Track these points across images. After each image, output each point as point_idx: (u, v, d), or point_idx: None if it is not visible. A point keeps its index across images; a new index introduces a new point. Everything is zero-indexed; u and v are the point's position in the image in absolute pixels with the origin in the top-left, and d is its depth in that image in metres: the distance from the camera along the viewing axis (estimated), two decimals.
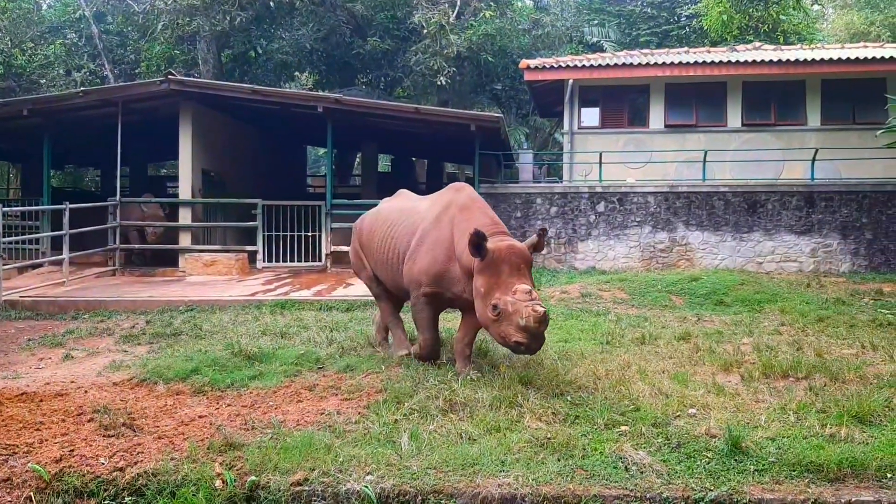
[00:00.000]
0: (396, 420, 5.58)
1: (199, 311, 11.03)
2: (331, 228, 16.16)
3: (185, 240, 16.37)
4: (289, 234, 16.35)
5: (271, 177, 21.36)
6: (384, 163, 33.19)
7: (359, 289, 12.87)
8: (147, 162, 26.14)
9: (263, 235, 16.21)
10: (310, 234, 16.35)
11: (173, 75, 15.69)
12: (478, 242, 6.09)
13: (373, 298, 11.52)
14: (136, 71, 26.49)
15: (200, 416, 5.91)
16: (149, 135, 19.15)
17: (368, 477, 4.59)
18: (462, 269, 6.55)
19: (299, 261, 16.28)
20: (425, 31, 23.41)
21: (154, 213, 16.39)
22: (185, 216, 16.47)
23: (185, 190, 16.56)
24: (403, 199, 8.08)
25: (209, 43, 24.87)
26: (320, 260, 16.22)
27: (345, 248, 16.29)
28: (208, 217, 17.18)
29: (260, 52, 26.25)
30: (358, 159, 30.70)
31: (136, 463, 4.92)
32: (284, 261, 16.30)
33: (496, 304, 6.00)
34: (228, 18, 23.09)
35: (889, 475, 4.50)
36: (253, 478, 4.64)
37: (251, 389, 6.65)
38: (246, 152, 20.16)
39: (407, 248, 7.06)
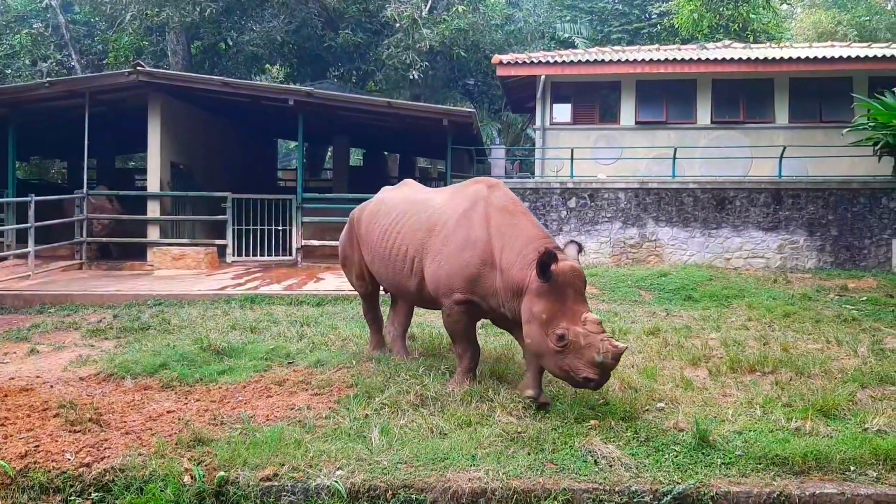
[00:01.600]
0: (367, 415, 5.57)
1: (168, 305, 10.91)
2: (302, 222, 16.07)
3: (153, 233, 16.16)
4: (259, 227, 16.23)
5: (241, 170, 21.18)
6: (356, 157, 33.08)
7: (330, 283, 12.85)
8: (115, 154, 25.77)
9: (233, 229, 16.07)
10: (280, 228, 16.24)
11: (142, 66, 15.48)
12: (548, 264, 5.33)
13: (346, 293, 11.59)
14: (104, 62, 26.10)
15: (168, 412, 5.84)
16: (117, 126, 18.91)
17: (338, 472, 4.57)
18: (506, 283, 5.77)
19: (269, 255, 16.17)
20: (398, 24, 23.35)
21: (101, 206, 16.13)
22: (153, 209, 16.26)
23: (153, 183, 16.35)
24: (412, 190, 7.27)
25: (178, 34, 24.57)
26: (291, 254, 16.12)
27: (316, 243, 16.34)
28: (177, 210, 16.99)
29: (230, 43, 25.98)
30: (329, 153, 30.53)
31: (102, 458, 4.86)
32: (254, 255, 16.19)
33: (563, 334, 5.24)
34: (198, 9, 22.84)
35: (852, 468, 4.58)
36: (222, 473, 4.60)
37: (220, 384, 6.59)
38: (216, 145, 19.96)
39: (419, 245, 6.36)
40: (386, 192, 7.54)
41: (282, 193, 18.41)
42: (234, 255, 16.07)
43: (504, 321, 6.21)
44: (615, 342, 5.26)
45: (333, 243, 16.66)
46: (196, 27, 24.51)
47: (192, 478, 4.59)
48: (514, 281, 5.68)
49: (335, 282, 13.05)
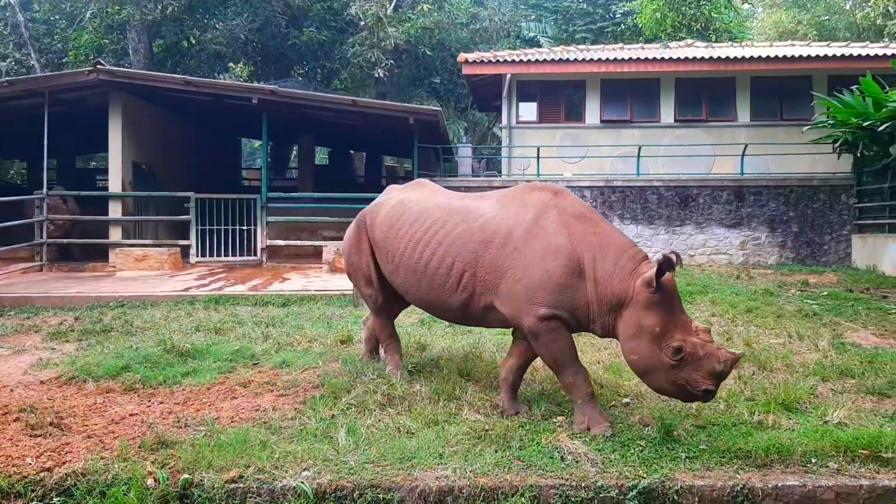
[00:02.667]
0: (333, 415, 5.52)
1: (130, 306, 10.74)
2: (266, 222, 15.96)
3: (115, 234, 15.94)
4: (223, 227, 16.08)
5: (205, 169, 20.95)
6: (321, 155, 32.90)
7: (295, 283, 12.75)
8: (75, 154, 25.38)
9: (197, 229, 15.90)
10: (245, 228, 16.10)
11: (102, 65, 15.23)
12: (664, 272, 4.95)
13: (312, 293, 11.53)
14: (64, 60, 25.67)
15: (131, 415, 5.74)
16: (77, 126, 18.59)
17: (305, 473, 4.53)
18: (603, 296, 5.23)
19: (234, 255, 16.02)
20: (362, 23, 23.28)
21: (56, 206, 15.85)
22: (115, 210, 16.03)
23: (114, 183, 16.12)
24: (438, 194, 6.49)
25: (140, 32, 24.25)
26: (255, 254, 15.98)
27: (281, 243, 16.24)
28: (139, 211, 16.76)
29: (193, 42, 25.68)
30: (294, 152, 30.34)
31: (64, 463, 4.76)
32: (218, 255, 16.03)
33: (680, 346, 4.86)
34: (160, 8, 22.58)
35: (814, 460, 4.64)
36: (186, 476, 4.53)
37: (184, 386, 6.50)
38: (179, 144, 19.72)
39: (471, 258, 5.62)
40: (403, 194, 6.63)
41: (246, 193, 18.26)
42: (197, 256, 15.89)
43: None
44: (729, 350, 5.14)
45: (299, 243, 16.71)
46: (158, 25, 24.20)
47: (155, 481, 4.51)
48: (615, 293, 5.16)
49: (301, 282, 12.96)
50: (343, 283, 12.49)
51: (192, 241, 15.91)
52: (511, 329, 5.93)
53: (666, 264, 4.92)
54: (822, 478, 4.44)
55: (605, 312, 5.24)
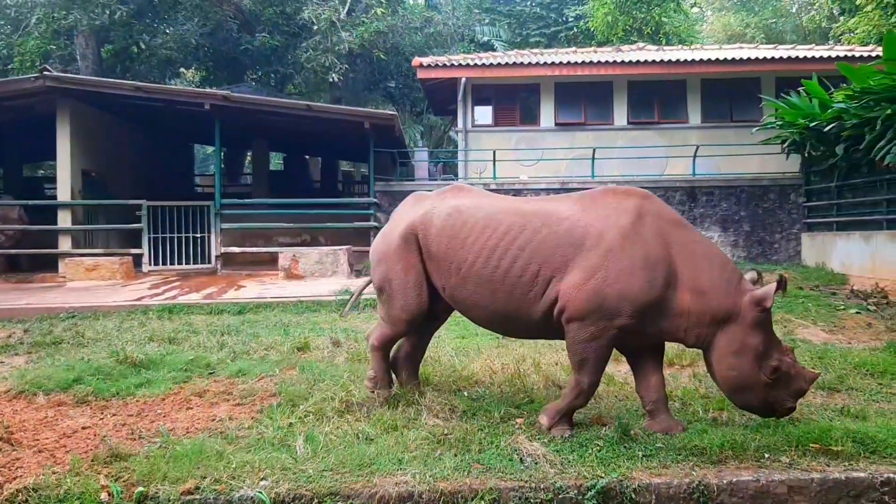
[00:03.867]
0: (291, 423, 5.47)
1: (82, 317, 10.53)
2: (221, 229, 15.77)
3: (64, 243, 15.60)
4: (176, 235, 15.85)
5: (157, 177, 20.62)
6: (276, 161, 32.63)
7: (251, 291, 12.62)
8: (22, 162, 24.72)
9: (149, 237, 15.67)
10: (198, 235, 15.90)
11: (49, 71, 14.91)
12: (778, 292, 5.02)
13: (268, 300, 11.41)
14: (9, 67, 25.04)
15: (84, 428, 5.63)
16: (24, 134, 18.19)
17: (263, 482, 4.47)
18: (705, 308, 5.11)
19: (188, 263, 15.81)
20: (316, 27, 23.18)
21: (5, 216, 15.48)
22: (64, 219, 15.69)
23: (63, 191, 15.78)
24: (497, 198, 5.97)
25: (88, 38, 23.80)
26: (210, 262, 15.79)
27: (236, 250, 16.05)
28: (90, 220, 16.42)
29: (143, 47, 25.28)
30: (249, 158, 30.05)
31: (14, 478, 4.63)
32: (172, 263, 15.80)
33: (777, 365, 4.97)
34: (108, 12, 22.19)
35: (766, 455, 4.73)
36: (141, 489, 4.45)
37: (138, 398, 6.38)
38: (129, 152, 19.38)
39: (560, 264, 5.23)
40: (453, 201, 5.90)
41: (199, 200, 18.02)
42: (150, 265, 15.65)
43: (650, 345, 5.48)
44: (809, 370, 5.27)
45: (254, 250, 16.54)
46: (106, 30, 23.78)
47: (109, 494, 4.42)
48: (723, 307, 5.07)
49: (256, 289, 12.82)
50: (300, 290, 12.41)
51: (145, 249, 15.66)
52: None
53: (782, 285, 5.01)
54: (774, 472, 4.52)
55: (705, 324, 5.13)
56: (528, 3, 34.19)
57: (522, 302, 5.35)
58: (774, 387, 4.99)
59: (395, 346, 6.29)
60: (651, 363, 5.42)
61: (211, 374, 7.18)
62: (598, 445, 4.91)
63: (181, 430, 5.51)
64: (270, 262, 15.93)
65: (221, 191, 16.39)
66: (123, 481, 4.54)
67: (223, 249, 15.82)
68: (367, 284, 6.61)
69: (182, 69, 27.90)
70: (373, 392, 5.94)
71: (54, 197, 16.67)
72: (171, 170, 22.79)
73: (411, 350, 6.25)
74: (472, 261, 5.50)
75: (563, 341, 5.37)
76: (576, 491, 4.37)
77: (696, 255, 5.23)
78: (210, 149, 32.48)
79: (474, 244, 5.52)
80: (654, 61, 19.18)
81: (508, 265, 5.36)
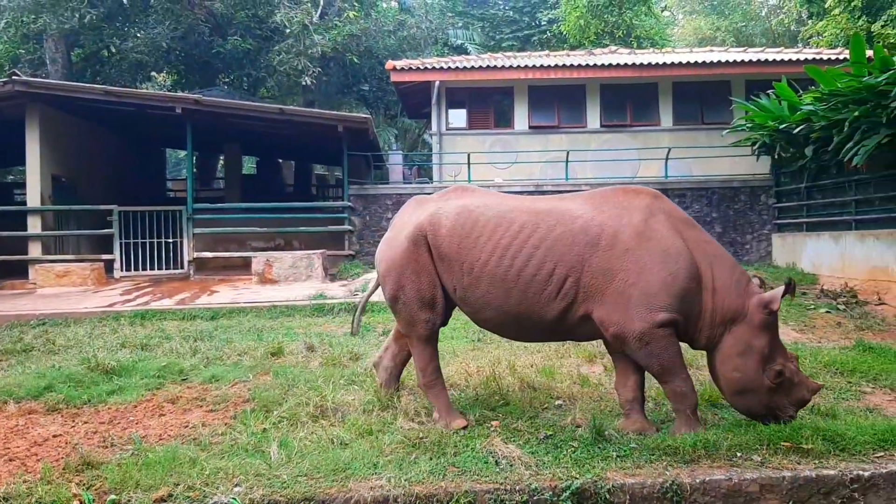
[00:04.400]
0: (265, 429, 5.44)
1: (52, 324, 10.40)
2: (193, 234, 15.65)
3: (34, 250, 15.39)
4: (148, 240, 15.71)
5: (128, 181, 20.40)
6: (249, 165, 32.44)
7: (224, 296, 12.53)
8: None
9: (121, 243, 15.52)
10: (171, 240, 15.77)
11: (18, 75, 14.72)
12: (786, 296, 5.09)
13: (242, 305, 11.33)
14: None
15: (55, 436, 5.56)
16: None
17: (237, 489, 4.44)
18: (719, 308, 5.16)
19: (160, 268, 15.68)
20: (288, 30, 23.08)
21: None
22: (34, 225, 15.47)
23: (33, 197, 15.56)
24: (506, 197, 5.83)
25: (57, 42, 23.52)
26: (182, 267, 15.66)
27: (209, 254, 15.94)
28: (60, 225, 16.22)
29: (113, 51, 25.04)
30: (221, 162, 29.85)
31: None
32: (144, 269, 15.67)
33: (781, 370, 5.02)
34: (77, 16, 21.92)
35: (738, 454, 4.77)
36: (113, 497, 4.40)
37: (110, 405, 6.32)
38: (100, 156, 19.17)
39: (576, 262, 5.18)
40: (461, 201, 5.74)
41: (171, 205, 17.87)
42: (122, 270, 15.50)
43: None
44: (813, 380, 5.33)
45: (227, 254, 16.43)
46: (76, 34, 23.51)
47: (81, 503, 4.37)
48: (733, 307, 5.13)
49: (230, 294, 12.74)
50: (274, 295, 12.34)
51: (117, 255, 15.50)
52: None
53: (790, 289, 5.04)
54: (746, 471, 4.57)
55: (717, 325, 5.16)
56: (502, 6, 34.31)
57: (536, 302, 5.26)
58: (777, 392, 5.05)
59: (383, 348, 6.25)
60: (633, 362, 5.38)
61: (184, 380, 7.12)
62: (573, 447, 4.93)
63: (154, 437, 5.46)
64: (244, 266, 15.83)
65: (194, 195, 16.26)
66: (95, 489, 4.49)
67: (196, 254, 15.70)
68: (371, 294, 6.42)
69: (153, 73, 27.64)
70: (447, 427, 5.38)
71: (24, 203, 16.46)
72: (143, 174, 22.57)
73: (398, 352, 6.18)
74: (485, 260, 5.38)
75: (553, 343, 5.38)
76: (551, 492, 4.39)
77: (709, 253, 5.29)
78: (182, 153, 32.20)
79: (487, 243, 5.40)
80: (625, 64, 19.32)
81: (523, 264, 5.27)
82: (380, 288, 6.00)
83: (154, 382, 6.97)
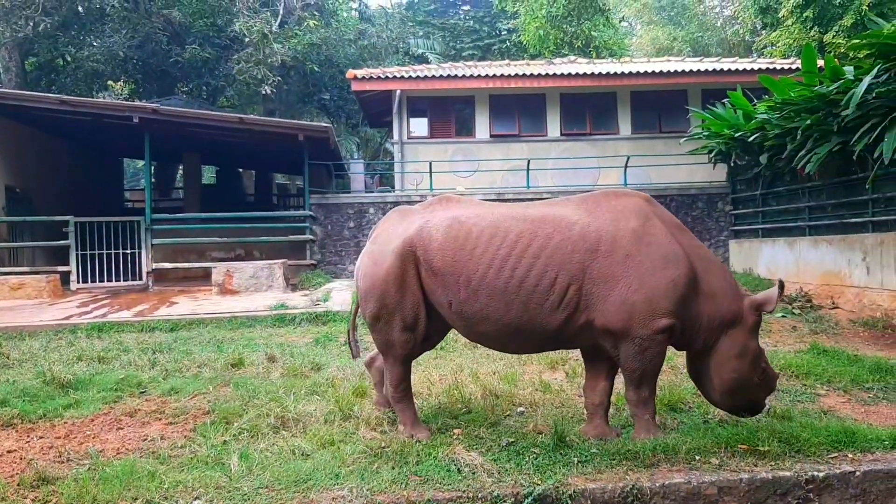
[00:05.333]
0: (225, 441, 5.38)
1: (6, 337, 10.15)
2: (152, 245, 15.44)
3: None
4: (106, 252, 15.46)
5: (85, 192, 20.07)
6: (209, 175, 32.14)
7: (184, 307, 12.38)
8: None
9: (77, 254, 15.23)
10: (129, 251, 15.53)
11: None
12: (779, 297, 5.22)
13: (202, 316, 11.19)
14: None
15: (9, 451, 5.43)
16: None
17: (196, 501, 4.38)
18: (715, 312, 5.22)
19: (118, 280, 15.43)
20: (247, 39, 22.95)
21: None
22: None
23: None
24: (495, 206, 5.69)
25: (11, 50, 23.11)
26: (141, 278, 15.43)
27: (168, 266, 15.73)
28: (15, 237, 15.91)
29: (69, 59, 24.68)
30: (180, 171, 29.52)
31: None
32: (102, 281, 15.39)
33: (766, 367, 5.31)
34: (31, 24, 21.57)
35: (697, 457, 4.84)
36: None
37: (66, 419, 6.19)
38: (56, 167, 18.84)
39: (577, 270, 5.08)
40: (449, 212, 5.52)
41: (129, 215, 17.61)
42: (79, 282, 15.21)
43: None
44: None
45: (187, 265, 16.25)
46: (30, 42, 23.13)
47: None
48: (730, 310, 5.21)
49: (189, 305, 12.58)
50: (234, 306, 12.23)
51: (73, 266, 15.22)
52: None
53: (782, 290, 5.17)
54: (705, 474, 4.63)
55: (715, 328, 5.22)
56: (462, 16, 34.54)
57: (538, 312, 5.12)
58: (760, 388, 5.30)
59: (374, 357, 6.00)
60: (606, 367, 5.38)
61: (142, 393, 7.01)
62: (535, 453, 4.95)
63: (111, 451, 5.37)
64: (204, 277, 15.65)
65: (152, 205, 16.05)
66: None
67: (154, 265, 15.49)
68: (356, 312, 6.06)
69: (110, 82, 27.26)
70: (412, 438, 5.31)
71: None
72: (100, 185, 22.22)
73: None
74: (483, 272, 5.17)
75: (539, 353, 5.36)
76: (513, 499, 4.40)
77: (703, 257, 5.33)
78: (140, 163, 31.80)
79: (484, 255, 5.20)
80: (585, 74, 19.53)
81: (523, 274, 5.11)
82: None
83: (112, 396, 6.85)
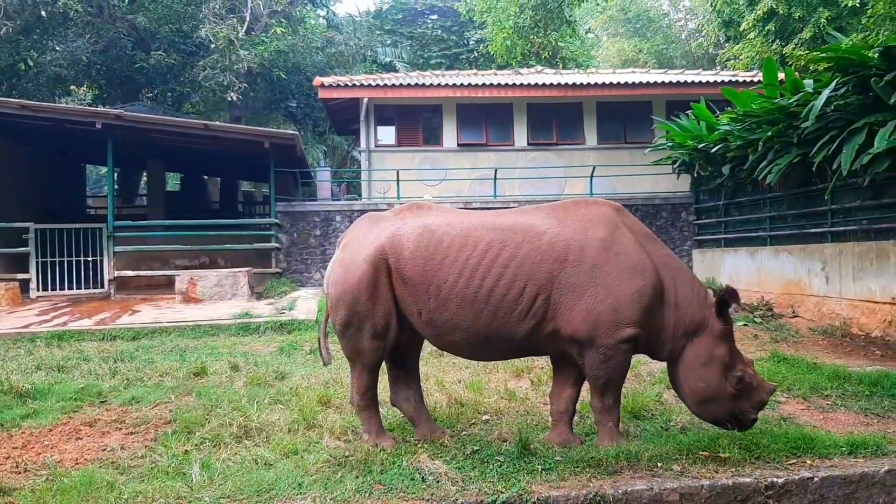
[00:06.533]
0: (187, 451, 5.31)
1: None
2: (114, 252, 15.24)
3: None
4: (67, 259, 15.21)
5: (46, 198, 19.72)
6: (173, 181, 31.80)
7: (146, 315, 12.22)
8: None
9: (37, 262, 14.97)
10: (91, 258, 15.30)
11: None
12: (730, 305, 5.22)
13: (164, 325, 11.05)
14: None
15: None
16: None
17: None
18: (680, 321, 5.25)
19: (79, 288, 15.19)
20: (213, 45, 22.77)
21: None
22: None
23: None
24: (466, 214, 5.64)
25: None
26: (103, 286, 15.21)
27: (131, 273, 15.52)
28: None
29: (31, 64, 24.20)
30: (145, 178, 29.16)
31: None
32: (62, 289, 15.15)
33: (741, 376, 5.13)
34: None
35: (659, 464, 4.88)
36: None
37: (24, 429, 6.08)
38: (16, 172, 18.47)
39: (546, 279, 5.11)
40: (419, 220, 5.50)
41: (92, 222, 17.35)
42: (39, 290, 14.95)
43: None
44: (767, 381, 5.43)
45: (150, 273, 16.03)
46: None
47: None
48: (694, 320, 5.23)
49: (152, 314, 12.42)
50: (198, 314, 12.09)
51: (33, 274, 14.95)
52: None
53: (731, 295, 5.12)
54: (667, 480, 4.66)
55: (680, 337, 5.25)
56: (430, 25, 34.62)
57: (506, 321, 5.16)
58: (739, 398, 5.14)
59: (394, 393, 5.77)
60: (574, 375, 5.42)
61: (102, 402, 6.91)
62: (499, 461, 4.96)
63: (70, 461, 5.28)
64: (167, 285, 15.47)
65: (115, 212, 15.86)
66: None
67: (117, 273, 15.28)
68: (328, 319, 5.77)
69: (73, 87, 26.87)
70: (376, 447, 5.28)
71: None
72: (62, 191, 21.84)
73: (407, 384, 5.75)
74: (452, 282, 5.19)
75: (509, 359, 5.34)
76: None
77: (671, 267, 5.37)
78: (103, 169, 31.32)
79: (453, 264, 5.21)
80: (551, 84, 19.70)
81: (492, 284, 5.14)
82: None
83: (71, 405, 6.74)
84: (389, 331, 5.37)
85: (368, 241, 5.45)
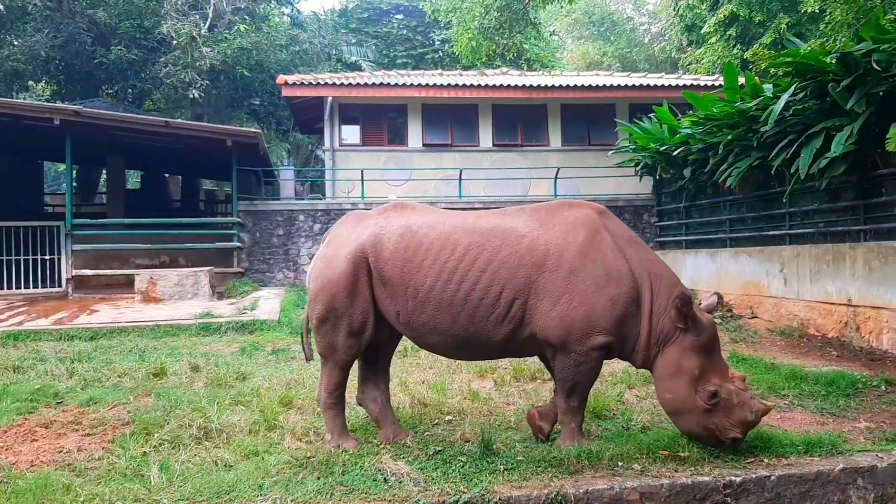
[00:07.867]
0: (145, 452, 5.23)
1: None
2: (72, 251, 14.97)
3: None
4: (23, 257, 14.91)
5: (2, 196, 19.28)
6: (134, 179, 31.33)
7: (105, 315, 12.02)
8: None
9: None
10: (48, 257, 15.01)
11: None
12: (687, 312, 5.04)
13: (123, 325, 10.87)
14: None
15: None
16: None
17: None
18: (653, 330, 5.19)
19: (35, 287, 14.90)
20: (175, 42, 22.49)
21: None
22: None
23: None
24: (448, 215, 5.64)
25: None
26: (60, 285, 14.93)
27: (89, 272, 15.26)
28: None
29: None
30: (104, 176, 28.70)
31: None
32: (18, 287, 14.85)
33: (715, 391, 4.92)
34: None
35: (620, 463, 4.92)
36: None
37: None
38: None
39: (523, 284, 5.11)
40: (402, 220, 5.49)
41: (49, 220, 17.03)
42: None
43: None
44: (762, 400, 5.17)
45: (109, 272, 15.78)
46: None
47: None
48: (665, 329, 5.14)
49: (111, 313, 12.21)
50: (157, 314, 11.93)
51: None
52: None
53: (683, 302, 4.98)
54: (627, 479, 4.71)
55: (654, 345, 5.18)
56: (395, 25, 34.55)
57: (483, 325, 5.15)
58: (714, 413, 4.96)
59: (362, 392, 5.72)
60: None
61: (59, 403, 6.78)
62: (462, 461, 4.96)
63: (24, 463, 5.17)
64: (127, 284, 15.22)
65: (73, 210, 15.56)
66: None
67: (75, 272, 15.01)
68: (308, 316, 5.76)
69: (31, 82, 26.36)
70: (338, 448, 5.24)
71: None
72: (19, 188, 21.37)
73: (375, 384, 5.71)
74: (430, 284, 5.17)
75: (445, 359, 5.35)
76: None
77: (650, 274, 5.27)
78: (62, 166, 30.76)
79: (432, 267, 5.20)
80: (516, 86, 19.78)
81: (469, 288, 5.12)
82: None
83: (26, 406, 6.60)
84: (366, 329, 5.34)
85: (351, 238, 5.45)
